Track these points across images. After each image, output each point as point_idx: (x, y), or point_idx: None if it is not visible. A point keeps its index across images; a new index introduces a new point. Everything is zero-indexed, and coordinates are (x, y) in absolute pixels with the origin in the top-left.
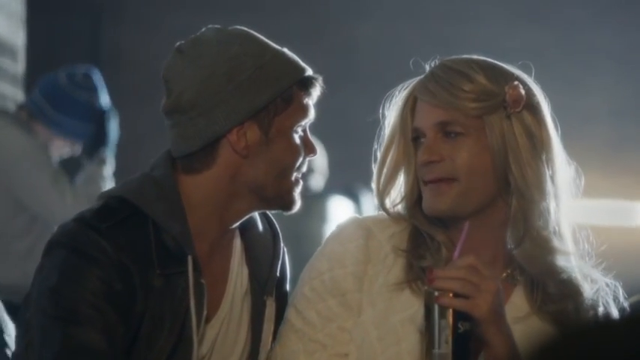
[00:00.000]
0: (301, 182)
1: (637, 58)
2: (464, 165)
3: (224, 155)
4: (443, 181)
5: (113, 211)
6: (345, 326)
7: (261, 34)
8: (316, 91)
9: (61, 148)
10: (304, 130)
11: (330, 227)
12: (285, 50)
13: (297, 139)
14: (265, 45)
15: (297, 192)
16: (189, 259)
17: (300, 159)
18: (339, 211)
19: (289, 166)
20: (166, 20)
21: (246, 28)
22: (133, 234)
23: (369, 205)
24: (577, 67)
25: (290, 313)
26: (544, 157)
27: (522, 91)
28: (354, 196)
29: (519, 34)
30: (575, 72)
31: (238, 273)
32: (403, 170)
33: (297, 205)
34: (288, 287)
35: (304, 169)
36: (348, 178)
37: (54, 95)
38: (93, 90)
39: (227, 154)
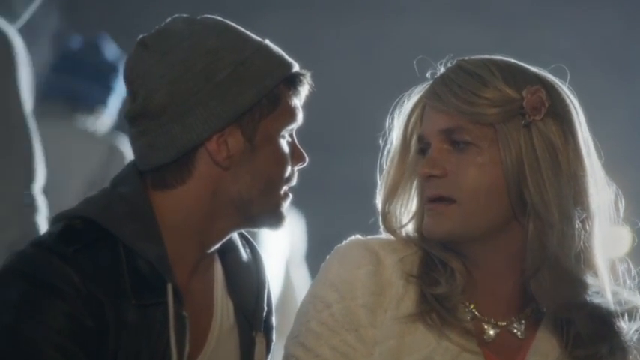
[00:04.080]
0: (290, 196)
1: (588, 59)
2: (469, 184)
3: (202, 167)
4: (442, 201)
5: (78, 234)
6: None
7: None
8: (305, 90)
9: None
10: (291, 136)
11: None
12: (268, 43)
13: (284, 145)
14: (245, 37)
15: (285, 207)
16: (169, 287)
17: (289, 169)
18: (264, 234)
19: (277, 178)
20: None
21: (220, 18)
22: (103, 260)
23: (298, 227)
24: None
25: (296, 351)
26: (569, 175)
27: (544, 97)
28: None
29: (449, 30)
30: None
31: (223, 304)
32: (412, 187)
33: (286, 222)
34: (274, 320)
35: (294, 181)
36: None
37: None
38: None
39: (205, 166)
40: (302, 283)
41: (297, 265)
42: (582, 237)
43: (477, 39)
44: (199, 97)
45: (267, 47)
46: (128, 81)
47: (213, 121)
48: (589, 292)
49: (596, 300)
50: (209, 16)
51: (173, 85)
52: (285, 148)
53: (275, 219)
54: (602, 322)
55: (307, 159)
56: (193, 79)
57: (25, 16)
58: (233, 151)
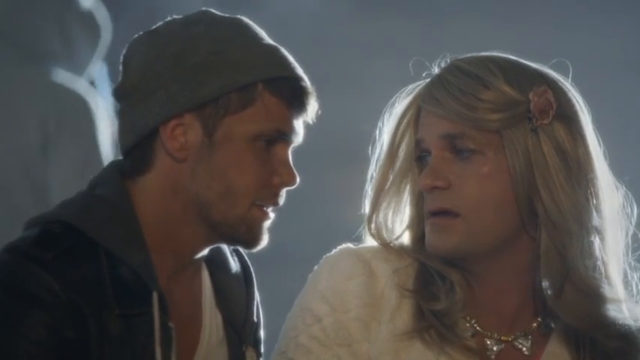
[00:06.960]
0: (270, 215)
1: (520, 53)
2: (474, 196)
3: (160, 157)
4: (445, 214)
5: (56, 239)
6: None
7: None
8: (302, 103)
9: None
10: (283, 151)
11: None
12: (270, 43)
13: (253, 152)
14: (242, 32)
15: (259, 226)
16: (155, 295)
17: (261, 181)
18: None
19: (240, 186)
20: None
21: (240, 17)
22: (84, 267)
23: None
24: None
25: None
26: (582, 180)
27: (551, 98)
28: None
29: (375, 22)
30: None
31: (212, 316)
32: (406, 196)
33: (261, 242)
34: (262, 334)
35: (276, 199)
36: None
37: None
38: None
39: (162, 155)
40: None
41: None
42: (599, 246)
43: (403, 31)
44: (164, 80)
45: (261, 45)
46: (123, 61)
47: (169, 106)
48: (610, 308)
49: (619, 316)
50: (230, 15)
51: (146, 65)
52: (253, 155)
53: (244, 235)
54: (623, 337)
55: (296, 180)
56: (164, 61)
57: (94, 64)
58: (189, 143)
